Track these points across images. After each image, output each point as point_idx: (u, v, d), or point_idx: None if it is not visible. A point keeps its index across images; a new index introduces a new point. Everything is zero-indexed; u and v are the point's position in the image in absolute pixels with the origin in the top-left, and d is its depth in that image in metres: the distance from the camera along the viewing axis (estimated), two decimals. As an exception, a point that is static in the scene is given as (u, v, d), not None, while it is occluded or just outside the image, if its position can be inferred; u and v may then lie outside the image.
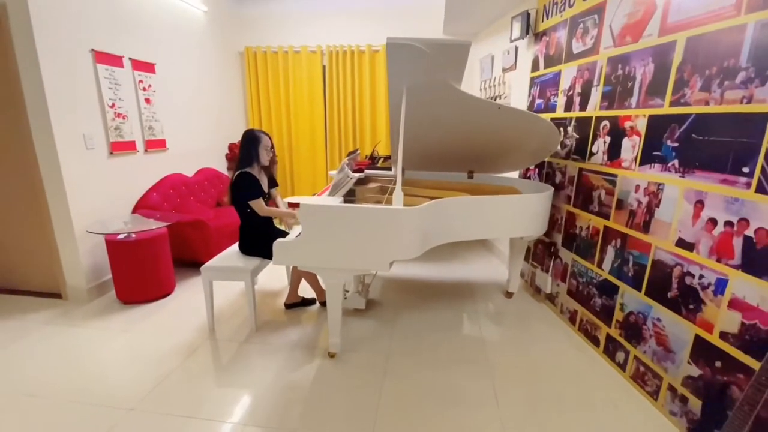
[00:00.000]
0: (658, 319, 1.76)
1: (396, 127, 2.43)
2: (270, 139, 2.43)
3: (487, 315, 2.61)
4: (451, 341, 2.29)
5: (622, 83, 1.97)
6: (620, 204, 2.00)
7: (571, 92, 2.42)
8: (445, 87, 2.02)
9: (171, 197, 3.36)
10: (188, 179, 3.65)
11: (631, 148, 1.92)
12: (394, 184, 2.80)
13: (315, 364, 2.05)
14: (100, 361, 2.07)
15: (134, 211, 3.07)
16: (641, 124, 1.84)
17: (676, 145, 1.65)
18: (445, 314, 2.60)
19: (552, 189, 2.46)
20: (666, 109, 1.70)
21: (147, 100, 3.15)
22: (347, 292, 2.68)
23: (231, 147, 4.39)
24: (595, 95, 2.18)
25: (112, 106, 2.82)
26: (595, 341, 2.21)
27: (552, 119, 2.63)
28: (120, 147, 2.89)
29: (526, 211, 2.29)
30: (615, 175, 2.03)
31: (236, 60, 4.56)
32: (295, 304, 2.63)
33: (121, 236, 2.59)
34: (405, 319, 2.52)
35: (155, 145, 3.27)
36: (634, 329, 1.91)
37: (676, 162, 1.66)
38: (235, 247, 2.49)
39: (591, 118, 2.22)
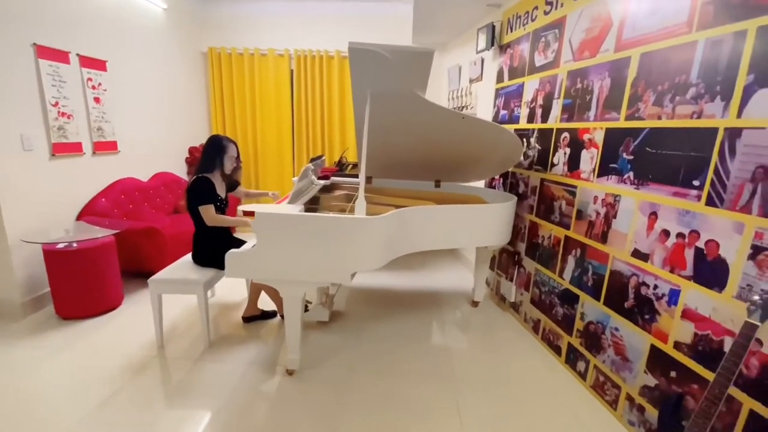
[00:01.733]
0: (616, 329, 1.78)
1: (361, 133, 2.39)
2: (236, 147, 2.32)
3: (453, 324, 2.58)
4: (416, 352, 2.23)
5: (581, 96, 2.01)
6: (580, 214, 2.03)
7: (534, 104, 2.46)
8: (409, 95, 2.00)
9: (122, 203, 3.14)
10: (143, 184, 3.43)
11: (589, 159, 1.96)
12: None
13: (273, 382, 1.93)
14: (34, 382, 1.87)
15: (79, 217, 2.84)
16: (599, 137, 1.88)
17: (631, 157, 1.69)
18: (411, 324, 2.55)
19: (515, 198, 2.48)
20: (621, 123, 1.74)
21: (96, 99, 2.95)
22: (310, 303, 2.58)
23: (191, 150, 4.18)
24: (556, 107, 2.22)
25: (56, 104, 2.60)
26: (557, 350, 2.22)
27: (515, 130, 2.66)
28: (63, 148, 2.67)
29: (490, 220, 2.30)
30: (575, 186, 2.07)
31: (199, 60, 4.38)
32: (254, 317, 2.50)
33: (61, 245, 2.37)
34: (370, 331, 2.45)
35: (105, 147, 3.05)
36: (593, 339, 1.93)
37: (631, 174, 1.69)
38: (189, 257, 2.34)
39: (552, 129, 2.26)
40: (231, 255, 1.74)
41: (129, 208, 3.19)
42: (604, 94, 1.84)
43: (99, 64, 2.97)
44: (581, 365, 2.01)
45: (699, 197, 1.39)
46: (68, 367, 2.00)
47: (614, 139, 1.79)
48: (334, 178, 3.00)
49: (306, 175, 2.38)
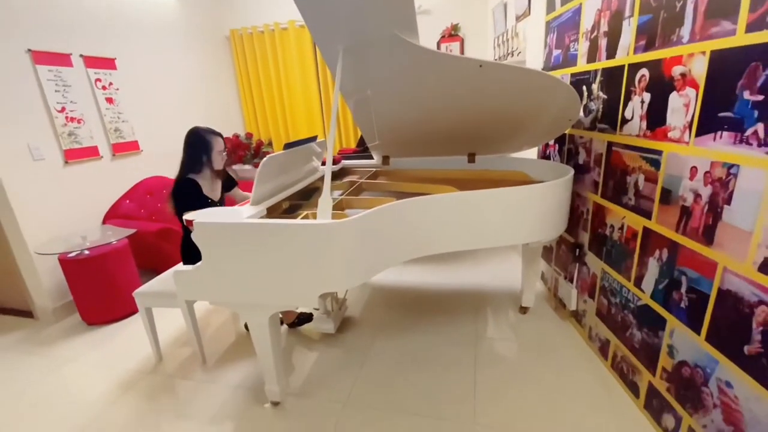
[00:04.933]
0: (728, 384, 1.10)
1: (356, 109, 1.90)
2: (222, 139, 2.02)
3: (492, 340, 2.03)
4: (434, 383, 1.76)
5: (667, 6, 1.25)
6: (667, 196, 1.31)
7: (596, 33, 1.69)
8: (394, 42, 1.44)
9: (148, 203, 3.12)
10: (170, 181, 3.38)
11: (682, 108, 1.22)
12: (370, 177, 2.28)
13: (253, 413, 1.65)
14: (26, 400, 1.85)
15: (105, 221, 2.87)
16: (699, 68, 1.14)
17: (760, 98, 0.95)
18: (434, 341, 2.06)
19: (571, 173, 1.78)
20: (740, 38, 0.99)
21: (109, 100, 2.89)
22: (317, 309, 2.24)
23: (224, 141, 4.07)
24: (628, 32, 1.46)
25: (62, 110, 2.57)
26: (633, 389, 1.56)
27: (573, 75, 1.91)
28: (77, 154, 2.66)
29: (529, 207, 1.66)
30: (658, 152, 1.34)
31: (223, 45, 4.18)
32: (295, 322, 2.24)
33: (73, 254, 2.36)
34: (381, 348, 2.03)
35: (125, 148, 3.02)
36: (688, 388, 1.25)
37: (759, 128, 0.96)
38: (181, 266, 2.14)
39: (622, 67, 1.51)
40: (177, 274, 1.44)
41: (157, 208, 3.17)
42: (708, -7, 1.08)
43: (107, 63, 2.88)
44: (669, 420, 1.35)
45: None
46: (61, 383, 1.95)
47: (727, 68, 1.04)
48: (345, 162, 2.56)
49: (272, 164, 1.96)
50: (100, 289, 2.43)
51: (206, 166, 1.97)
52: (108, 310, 2.49)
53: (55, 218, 2.55)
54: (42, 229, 2.47)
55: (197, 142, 1.95)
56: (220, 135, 2.00)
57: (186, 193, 1.92)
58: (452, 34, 3.65)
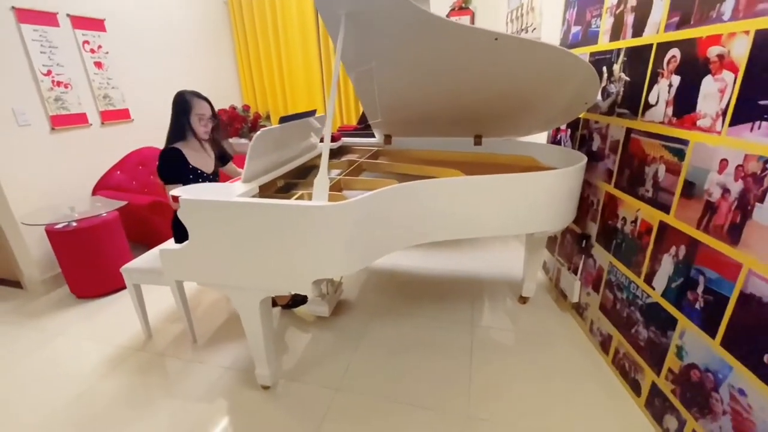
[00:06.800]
0: (741, 391, 1.04)
1: (358, 83, 1.78)
2: (209, 104, 1.90)
3: (489, 328, 1.98)
4: (428, 368, 1.72)
5: (709, -23, 1.12)
6: (690, 189, 1.22)
7: (622, 7, 1.55)
8: (403, 6, 1.30)
9: (140, 175, 3.01)
10: (163, 153, 3.27)
11: (717, 93, 1.11)
12: (370, 156, 2.17)
13: (242, 397, 1.60)
14: (15, 372, 1.81)
15: (94, 192, 2.77)
16: (739, 49, 1.02)
17: (813, 84, 0.85)
18: (430, 328, 2.01)
19: (584, 161, 1.67)
20: (798, 13, 0.87)
21: (98, 64, 2.73)
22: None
23: (219, 113, 3.92)
24: (660, 7, 1.33)
25: (48, 73, 2.43)
26: (634, 386, 1.51)
27: (592, 54, 1.78)
28: (64, 121, 2.53)
29: (538, 196, 1.57)
30: (685, 141, 1.23)
31: (221, 11, 3.97)
32: (289, 304, 2.18)
33: (60, 225, 2.28)
34: (376, 334, 1.98)
35: (115, 116, 2.88)
36: (696, 391, 1.20)
37: (809, 119, 0.86)
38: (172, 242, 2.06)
39: (650, 47, 1.38)
40: (164, 253, 1.36)
41: (149, 180, 3.06)
42: (760, -39, 0.95)
43: (96, 24, 2.71)
44: (671, 422, 1.31)
45: None
46: (50, 357, 1.90)
47: (775, 49, 0.93)
48: (345, 140, 2.44)
49: (267, 137, 1.86)
50: (88, 262, 2.36)
51: (190, 133, 1.86)
52: (97, 284, 2.42)
53: (43, 187, 2.45)
54: (29, 199, 2.38)
55: (178, 105, 1.84)
56: (205, 99, 1.88)
57: (168, 162, 1.82)
58: (462, 6, 3.44)
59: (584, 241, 1.89)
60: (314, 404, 1.55)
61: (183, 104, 1.82)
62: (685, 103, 1.23)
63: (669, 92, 1.30)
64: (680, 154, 1.25)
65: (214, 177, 2.01)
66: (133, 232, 2.68)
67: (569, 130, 2.10)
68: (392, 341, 1.91)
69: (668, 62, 1.30)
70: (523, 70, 1.58)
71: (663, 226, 1.33)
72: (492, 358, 1.77)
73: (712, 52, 1.12)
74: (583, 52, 1.85)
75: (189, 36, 3.56)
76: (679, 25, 1.24)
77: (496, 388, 1.60)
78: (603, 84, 1.69)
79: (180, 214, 1.27)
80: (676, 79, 1.26)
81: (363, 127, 2.97)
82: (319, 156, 2.12)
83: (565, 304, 2.08)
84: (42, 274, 2.48)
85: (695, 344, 1.20)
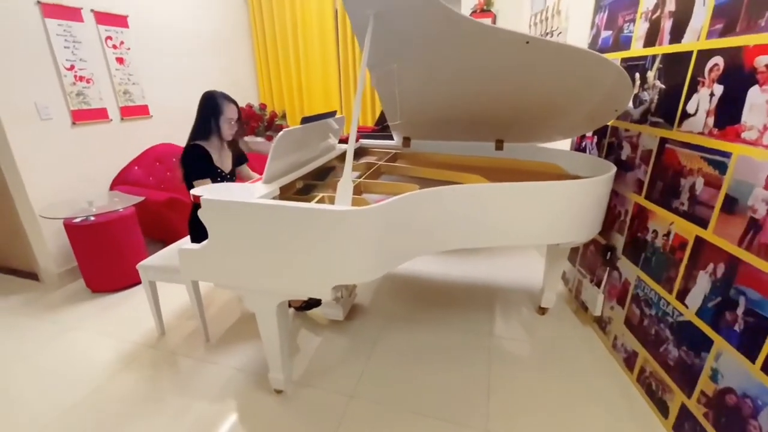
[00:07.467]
0: (787, 422, 0.98)
1: (380, 84, 1.75)
2: (237, 108, 1.90)
3: (506, 339, 1.93)
4: (443, 381, 1.67)
5: (761, -19, 1.06)
6: (731, 204, 1.16)
7: (659, 13, 1.49)
8: (433, 8, 1.27)
9: (158, 171, 3.03)
10: (181, 150, 3.28)
11: (764, 105, 1.05)
12: (389, 159, 2.14)
13: (254, 399, 1.58)
14: (30, 364, 1.81)
15: (112, 187, 2.79)
16: (795, 58, 0.96)
17: None
18: (445, 336, 1.96)
19: (613, 170, 1.62)
20: None
21: (119, 60, 2.75)
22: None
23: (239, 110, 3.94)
24: (701, 13, 1.27)
25: (71, 68, 2.44)
26: (661, 407, 1.45)
27: (623, 60, 1.72)
28: (85, 116, 2.55)
29: (567, 206, 1.51)
30: (727, 154, 1.17)
31: (241, 9, 3.98)
32: (302, 307, 2.16)
33: (78, 219, 2.29)
34: (390, 340, 1.94)
35: (134, 111, 2.90)
36: (732, 417, 1.13)
37: None
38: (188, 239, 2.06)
39: (690, 54, 1.32)
40: (183, 252, 1.34)
41: (166, 176, 3.07)
42: (824, -35, 0.90)
43: (119, 21, 2.73)
44: (703, 448, 1.25)
45: None
46: (63, 353, 1.90)
47: (838, 59, 0.87)
48: (363, 141, 2.41)
49: (287, 138, 1.84)
50: (104, 256, 2.37)
51: (215, 133, 1.87)
52: (113, 279, 2.43)
53: (61, 181, 2.47)
54: (48, 192, 2.40)
55: (208, 106, 1.84)
56: (234, 102, 1.88)
57: (194, 159, 1.82)
58: (484, 9, 3.40)
59: (609, 253, 1.83)
60: (328, 411, 1.52)
61: (214, 107, 1.81)
62: (728, 113, 1.17)
63: (710, 102, 1.24)
64: (721, 167, 1.19)
65: (231, 177, 2.00)
66: (149, 229, 2.69)
67: (596, 137, 2.04)
68: (407, 348, 1.88)
69: (710, 71, 1.24)
70: (551, 74, 1.53)
71: (699, 242, 1.28)
72: (511, 371, 1.72)
73: (761, 61, 1.06)
74: (614, 58, 1.79)
75: (209, 34, 3.57)
76: (724, 32, 1.18)
77: (515, 405, 1.55)
78: (635, 91, 1.64)
79: (201, 214, 1.25)
80: (718, 89, 1.21)
81: (380, 129, 2.95)
82: (337, 157, 2.12)
83: (586, 317, 2.02)
84: (58, 267, 2.49)
85: (732, 367, 1.14)
